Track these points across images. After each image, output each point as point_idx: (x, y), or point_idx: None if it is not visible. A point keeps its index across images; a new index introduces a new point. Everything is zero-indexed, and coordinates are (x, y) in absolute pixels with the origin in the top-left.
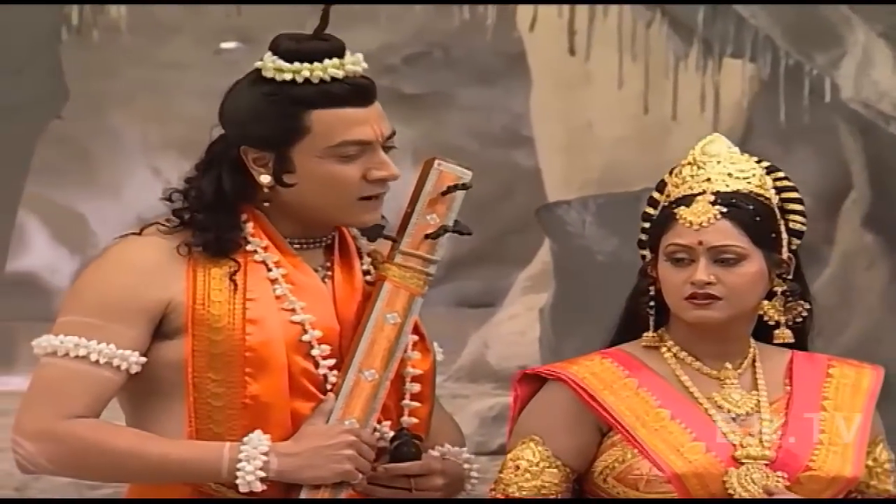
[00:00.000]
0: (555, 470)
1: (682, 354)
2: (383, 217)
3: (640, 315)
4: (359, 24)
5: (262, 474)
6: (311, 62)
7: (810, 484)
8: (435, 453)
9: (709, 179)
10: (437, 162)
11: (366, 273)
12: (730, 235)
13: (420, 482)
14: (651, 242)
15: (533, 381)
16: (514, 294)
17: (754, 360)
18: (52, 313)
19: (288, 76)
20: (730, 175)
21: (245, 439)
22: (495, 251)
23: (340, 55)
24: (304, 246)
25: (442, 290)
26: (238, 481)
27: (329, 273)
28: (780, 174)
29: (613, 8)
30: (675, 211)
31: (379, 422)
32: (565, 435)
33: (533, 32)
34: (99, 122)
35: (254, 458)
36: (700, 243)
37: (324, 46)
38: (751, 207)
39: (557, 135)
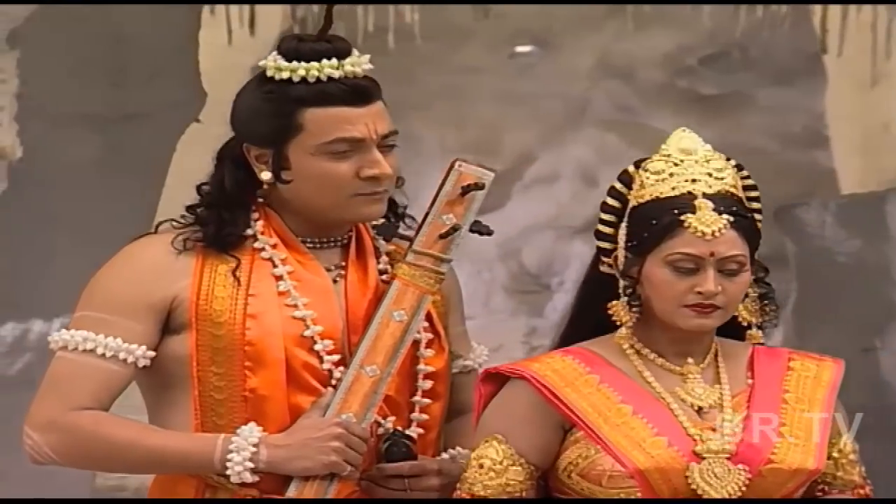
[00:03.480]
0: (518, 468)
1: (646, 351)
2: (412, 217)
3: (595, 312)
4: (653, 25)
5: (251, 465)
6: (308, 62)
7: (772, 477)
8: (445, 455)
9: (694, 180)
10: (457, 163)
11: (382, 273)
12: (736, 245)
13: (414, 482)
14: (643, 245)
15: (496, 380)
16: None
17: (717, 355)
18: None
19: (285, 74)
20: (710, 175)
21: (238, 431)
22: None
23: (342, 56)
24: (319, 244)
25: None
26: (228, 472)
27: (342, 272)
28: (745, 172)
29: (867, 6)
30: (682, 218)
31: (384, 417)
32: (528, 433)
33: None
34: (397, 127)
35: (243, 448)
36: (712, 254)
37: (324, 47)
38: (749, 216)
39: (853, 135)
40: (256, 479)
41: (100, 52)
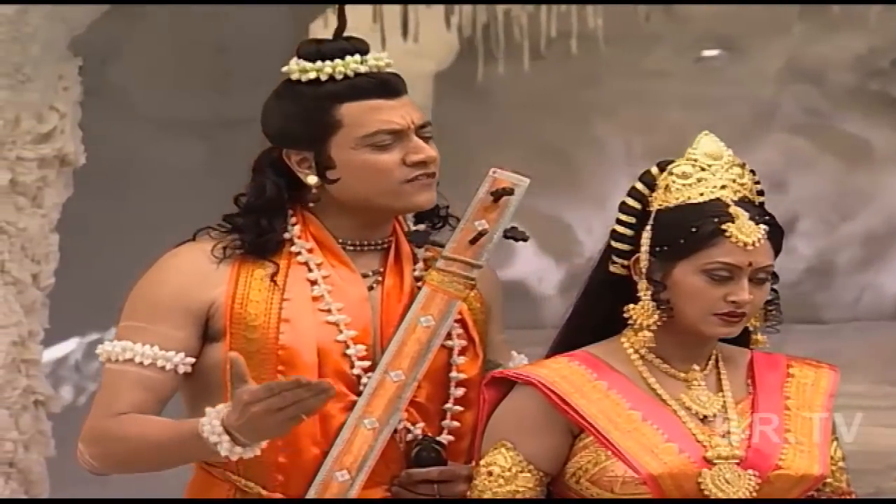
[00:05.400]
0: (528, 475)
1: (650, 356)
2: (454, 221)
3: (598, 314)
4: (843, 28)
5: (221, 429)
6: (332, 60)
7: (779, 483)
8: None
9: (723, 186)
10: (492, 170)
11: (419, 279)
12: (770, 255)
13: (443, 488)
14: (677, 252)
15: (500, 385)
16: None
17: (718, 361)
18: (539, 321)
19: (312, 75)
20: (734, 181)
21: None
22: None
23: (363, 53)
24: (359, 248)
25: None
26: (216, 445)
27: (380, 278)
28: (756, 177)
29: None
30: (723, 227)
31: (414, 423)
32: (536, 439)
33: None
34: (583, 132)
35: (213, 416)
36: (750, 264)
37: (344, 45)
38: (779, 225)
39: None
40: (248, 453)
41: (203, 59)
